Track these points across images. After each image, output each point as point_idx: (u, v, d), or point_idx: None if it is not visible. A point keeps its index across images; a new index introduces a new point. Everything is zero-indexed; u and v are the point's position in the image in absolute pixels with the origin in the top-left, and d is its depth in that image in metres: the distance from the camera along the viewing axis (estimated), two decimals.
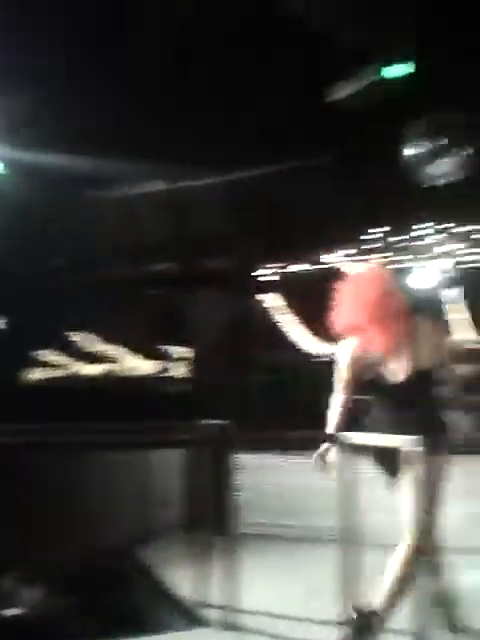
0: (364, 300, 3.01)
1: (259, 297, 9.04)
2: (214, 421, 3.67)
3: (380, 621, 2.73)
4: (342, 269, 6.97)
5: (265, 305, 10.89)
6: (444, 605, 3.01)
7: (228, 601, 3.29)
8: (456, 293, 12.28)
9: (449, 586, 3.06)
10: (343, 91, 4.50)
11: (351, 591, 2.67)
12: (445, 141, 4.12)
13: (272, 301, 11.60)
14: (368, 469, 4.54)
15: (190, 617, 3.34)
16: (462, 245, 5.86)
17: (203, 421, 3.77)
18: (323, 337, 14.06)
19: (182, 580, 3.68)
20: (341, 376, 2.95)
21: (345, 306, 3.02)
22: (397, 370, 2.99)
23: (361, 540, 4.06)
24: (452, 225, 5.46)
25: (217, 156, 5.14)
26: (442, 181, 4.21)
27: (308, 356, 13.67)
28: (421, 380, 3.11)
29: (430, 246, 5.92)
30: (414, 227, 5.61)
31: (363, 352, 2.98)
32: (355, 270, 3.29)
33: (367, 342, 2.98)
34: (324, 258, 6.57)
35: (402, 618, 2.56)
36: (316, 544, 4.20)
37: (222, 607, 3.30)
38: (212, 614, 3.34)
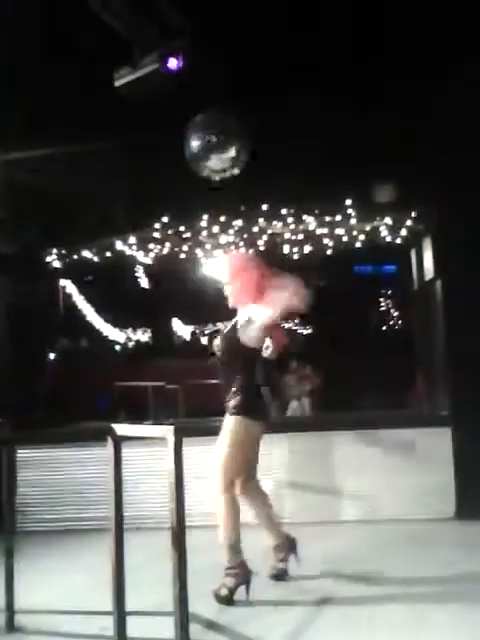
0: (268, 282, 3.55)
1: (49, 283, 8.69)
2: None
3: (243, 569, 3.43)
4: (135, 257, 6.97)
5: (57, 292, 10.52)
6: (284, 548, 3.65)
7: (9, 603, 3.20)
8: None
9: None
10: (124, 78, 4.45)
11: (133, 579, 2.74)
12: (221, 137, 4.28)
13: (64, 287, 11.24)
14: (147, 458, 4.64)
15: None
16: (238, 238, 6.19)
17: None
18: (118, 323, 14.04)
19: None
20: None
21: (253, 285, 3.53)
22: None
23: (141, 527, 4.15)
24: (228, 219, 5.72)
25: None
26: (218, 176, 4.38)
27: (106, 343, 13.53)
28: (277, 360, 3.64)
29: (213, 237, 6.15)
30: (197, 218, 5.77)
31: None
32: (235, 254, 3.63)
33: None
34: (112, 245, 6.49)
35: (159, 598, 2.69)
36: (100, 535, 4.23)
37: (2, 610, 3.20)
38: None
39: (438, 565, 3.86)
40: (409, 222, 5.75)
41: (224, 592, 3.42)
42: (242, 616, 3.27)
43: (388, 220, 5.78)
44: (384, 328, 12.29)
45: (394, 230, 6.00)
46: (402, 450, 4.82)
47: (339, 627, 3.10)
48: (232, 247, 6.65)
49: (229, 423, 3.51)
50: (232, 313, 3.74)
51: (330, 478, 4.85)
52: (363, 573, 3.83)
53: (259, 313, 3.48)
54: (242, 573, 3.45)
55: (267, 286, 3.56)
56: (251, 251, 3.80)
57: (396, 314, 12.33)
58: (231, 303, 3.70)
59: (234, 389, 3.54)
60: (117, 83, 4.43)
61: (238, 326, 3.58)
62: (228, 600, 3.40)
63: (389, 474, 4.82)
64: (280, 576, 3.71)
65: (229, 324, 3.71)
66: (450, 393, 4.85)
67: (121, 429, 2.69)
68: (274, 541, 3.74)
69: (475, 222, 4.59)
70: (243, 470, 3.54)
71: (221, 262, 3.83)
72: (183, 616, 2.40)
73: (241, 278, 3.62)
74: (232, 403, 3.52)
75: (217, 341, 3.71)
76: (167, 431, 2.37)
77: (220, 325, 14.72)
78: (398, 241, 6.20)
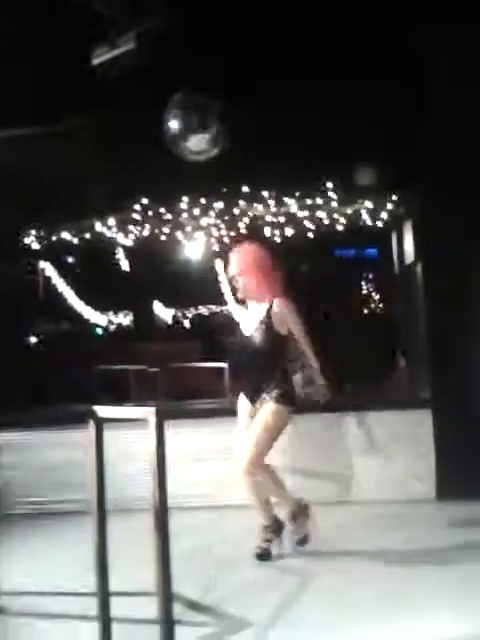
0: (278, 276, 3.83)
1: (29, 265, 8.60)
2: None
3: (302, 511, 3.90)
4: (115, 238, 6.91)
5: (36, 274, 10.39)
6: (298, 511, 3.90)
7: None
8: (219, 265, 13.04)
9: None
10: (100, 56, 4.38)
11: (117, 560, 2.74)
12: (200, 118, 4.24)
13: (44, 270, 11.10)
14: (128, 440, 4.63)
15: None
16: (218, 220, 6.16)
17: None
18: (99, 306, 13.93)
19: None
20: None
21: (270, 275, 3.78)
22: None
23: (120, 509, 4.16)
24: (209, 201, 5.68)
25: None
26: (197, 157, 4.35)
27: (87, 326, 13.42)
28: None
29: (193, 219, 6.11)
30: (178, 200, 5.72)
31: None
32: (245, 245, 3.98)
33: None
34: (92, 226, 6.42)
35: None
36: (83, 517, 4.24)
37: None
38: None
39: (420, 545, 3.92)
40: (390, 206, 5.76)
41: (263, 547, 3.77)
42: (226, 596, 3.30)
43: (369, 204, 5.78)
44: (366, 312, 12.34)
45: (375, 214, 6.01)
46: (384, 432, 4.86)
47: (321, 606, 3.13)
48: (214, 230, 6.63)
49: (270, 409, 3.71)
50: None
51: (312, 460, 4.89)
52: (346, 553, 3.88)
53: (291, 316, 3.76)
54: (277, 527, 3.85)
55: (278, 281, 3.82)
56: (259, 244, 3.92)
57: (377, 297, 12.39)
58: (247, 296, 3.85)
59: (274, 377, 3.73)
60: (94, 62, 4.35)
61: (272, 317, 3.74)
62: (267, 556, 3.76)
63: (371, 456, 4.86)
64: (264, 556, 3.76)
65: (256, 315, 3.82)
66: (430, 376, 4.90)
67: (102, 411, 2.68)
68: (265, 521, 3.84)
69: (455, 206, 4.60)
70: (268, 453, 3.75)
71: (234, 254, 3.90)
72: (166, 596, 2.41)
73: (256, 271, 3.77)
74: (275, 393, 3.72)
75: (252, 328, 3.80)
76: (148, 412, 2.37)
77: (203, 308, 14.67)
78: (379, 225, 6.22)
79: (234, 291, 3.94)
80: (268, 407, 3.72)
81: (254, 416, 3.77)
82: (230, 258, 3.90)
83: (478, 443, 4.52)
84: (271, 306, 3.78)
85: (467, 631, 2.81)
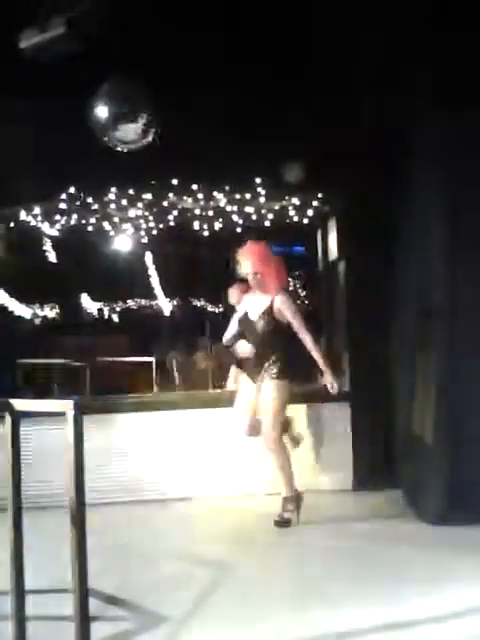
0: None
1: None
2: None
3: (298, 497, 4.27)
4: (40, 228, 6.70)
5: None
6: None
7: None
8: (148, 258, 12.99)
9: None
10: (31, 39, 4.24)
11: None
12: (130, 107, 4.17)
13: None
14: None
15: None
16: (146, 212, 6.09)
17: None
18: (25, 299, 13.49)
19: None
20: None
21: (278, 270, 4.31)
22: None
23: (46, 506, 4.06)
24: (137, 192, 5.60)
25: None
26: (126, 148, 4.28)
27: (11, 319, 12.97)
28: None
29: (122, 210, 6.01)
30: (106, 190, 5.60)
31: None
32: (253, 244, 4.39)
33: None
34: (16, 215, 6.20)
35: None
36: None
37: None
38: None
39: (335, 535, 4.03)
40: (315, 203, 5.84)
41: (286, 517, 4.19)
42: (142, 590, 3.29)
43: (296, 200, 5.84)
44: None
45: (302, 211, 6.08)
46: (303, 424, 4.96)
47: (237, 600, 3.17)
48: (143, 222, 6.54)
49: (272, 386, 4.25)
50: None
51: (235, 452, 4.93)
52: (265, 545, 3.94)
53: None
54: (297, 499, 4.26)
55: (284, 273, 4.36)
56: (263, 242, 4.46)
57: (303, 294, 12.60)
58: (260, 290, 4.30)
59: (272, 359, 4.26)
60: (23, 44, 4.21)
61: (273, 309, 4.27)
62: (288, 523, 4.18)
63: (290, 448, 4.94)
64: (284, 524, 4.19)
65: (261, 304, 4.33)
66: (349, 370, 5.03)
67: (20, 404, 2.61)
68: (287, 493, 4.26)
69: (377, 205, 4.74)
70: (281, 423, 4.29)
71: (246, 253, 4.32)
72: (82, 593, 2.38)
73: (268, 267, 4.26)
74: (274, 370, 4.26)
75: (257, 315, 4.33)
76: (67, 405, 2.32)
77: (131, 302, 14.45)
78: (305, 222, 6.30)
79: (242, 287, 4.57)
80: (269, 384, 4.24)
81: (256, 391, 4.30)
82: (240, 257, 4.31)
83: (392, 436, 4.68)
84: (273, 301, 4.27)
85: (378, 618, 2.91)
